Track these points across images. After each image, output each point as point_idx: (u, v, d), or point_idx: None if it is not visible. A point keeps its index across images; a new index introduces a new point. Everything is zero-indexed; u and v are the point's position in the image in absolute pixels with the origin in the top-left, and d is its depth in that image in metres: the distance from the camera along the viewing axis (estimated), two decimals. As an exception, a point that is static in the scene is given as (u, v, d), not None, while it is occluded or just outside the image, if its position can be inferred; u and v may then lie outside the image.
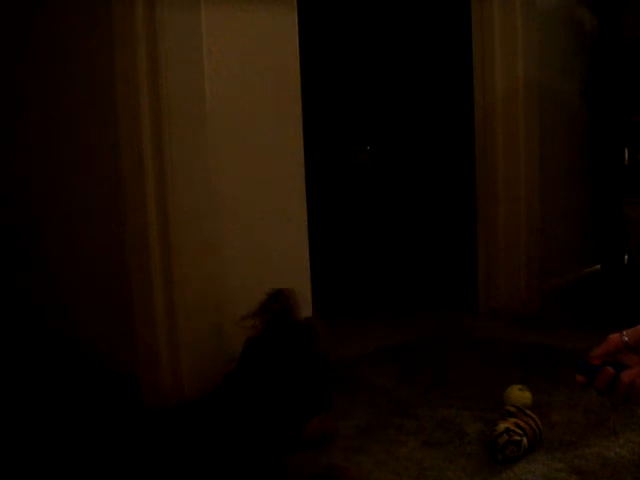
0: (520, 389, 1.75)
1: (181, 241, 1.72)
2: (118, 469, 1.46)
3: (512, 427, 1.54)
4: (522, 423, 1.56)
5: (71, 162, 2.19)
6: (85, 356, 2.13)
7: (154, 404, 1.77)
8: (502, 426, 1.54)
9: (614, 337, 1.00)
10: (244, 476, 1.39)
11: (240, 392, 1.46)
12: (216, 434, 1.43)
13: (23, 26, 2.35)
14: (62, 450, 1.60)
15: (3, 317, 2.44)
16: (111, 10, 1.74)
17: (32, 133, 2.38)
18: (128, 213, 1.79)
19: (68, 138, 2.18)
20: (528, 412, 1.61)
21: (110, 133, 1.85)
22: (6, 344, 2.33)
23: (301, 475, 1.44)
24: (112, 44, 1.75)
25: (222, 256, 1.78)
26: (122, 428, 1.66)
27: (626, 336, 0.99)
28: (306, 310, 1.92)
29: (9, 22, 2.40)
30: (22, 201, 2.51)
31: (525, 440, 1.53)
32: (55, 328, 2.31)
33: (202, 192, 1.74)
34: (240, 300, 1.81)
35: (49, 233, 2.38)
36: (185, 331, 1.74)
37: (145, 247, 1.73)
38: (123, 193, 1.79)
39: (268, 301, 1.47)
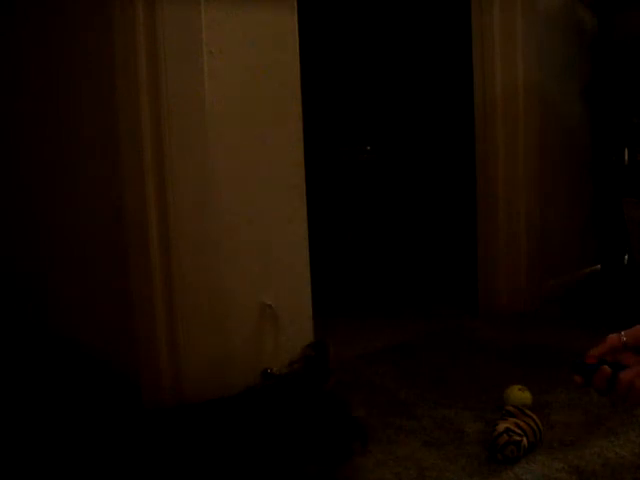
0: (520, 389, 1.75)
1: (181, 241, 1.72)
2: (118, 469, 1.46)
3: (512, 427, 1.54)
4: (522, 423, 1.56)
5: (71, 162, 2.19)
6: (85, 356, 2.13)
7: (154, 404, 1.77)
8: (502, 426, 1.54)
9: (613, 337, 1.00)
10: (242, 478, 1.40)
11: (245, 407, 1.47)
12: (215, 437, 1.43)
13: (22, 26, 2.35)
14: (62, 450, 1.59)
15: (4, 318, 2.44)
16: (111, 11, 1.74)
17: (33, 132, 2.38)
18: (128, 213, 1.79)
19: (68, 138, 2.18)
20: (528, 412, 1.61)
21: (110, 133, 1.86)
22: (6, 345, 2.33)
23: (300, 476, 1.44)
24: (112, 45, 1.75)
25: (222, 256, 1.78)
26: (122, 428, 1.66)
27: (624, 336, 0.99)
28: (306, 310, 1.93)
29: (8, 24, 2.40)
30: (23, 201, 2.51)
31: (525, 440, 1.53)
32: (55, 329, 2.31)
33: (202, 192, 1.74)
34: (240, 301, 1.82)
35: (49, 234, 2.38)
36: (185, 331, 1.74)
37: (145, 247, 1.73)
38: (123, 193, 1.79)
39: (308, 349, 1.51)
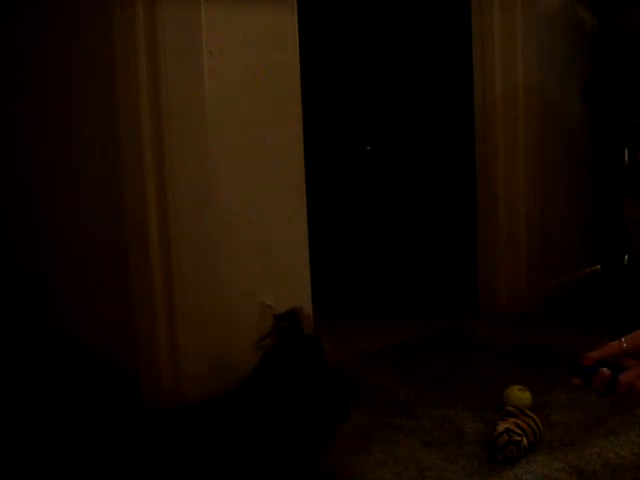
0: (520, 389, 1.75)
1: (181, 241, 1.72)
2: (118, 470, 1.46)
3: (512, 427, 1.54)
4: (522, 423, 1.56)
5: (71, 162, 2.19)
6: (85, 356, 2.13)
7: (154, 405, 1.77)
8: (502, 426, 1.54)
9: (613, 344, 1.00)
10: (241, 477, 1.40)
11: (245, 400, 1.47)
12: (216, 437, 1.43)
13: (22, 26, 2.35)
14: (62, 450, 1.59)
15: (4, 318, 2.44)
16: (111, 11, 1.74)
17: (33, 132, 2.38)
18: (128, 213, 1.79)
19: (68, 138, 2.18)
20: (528, 412, 1.61)
21: (110, 133, 1.85)
22: (7, 345, 2.33)
23: (300, 476, 1.44)
24: (112, 45, 1.75)
25: (222, 256, 1.78)
26: (122, 429, 1.66)
27: (625, 343, 0.99)
28: (306, 310, 1.92)
29: (8, 24, 2.40)
30: (23, 201, 2.51)
31: (525, 440, 1.53)
32: (55, 329, 2.31)
33: (202, 192, 1.74)
34: (240, 301, 1.82)
35: (49, 234, 2.38)
36: (185, 331, 1.74)
37: (145, 247, 1.73)
38: (123, 193, 1.79)
39: (280, 320, 1.49)
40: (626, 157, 2.91)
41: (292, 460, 1.43)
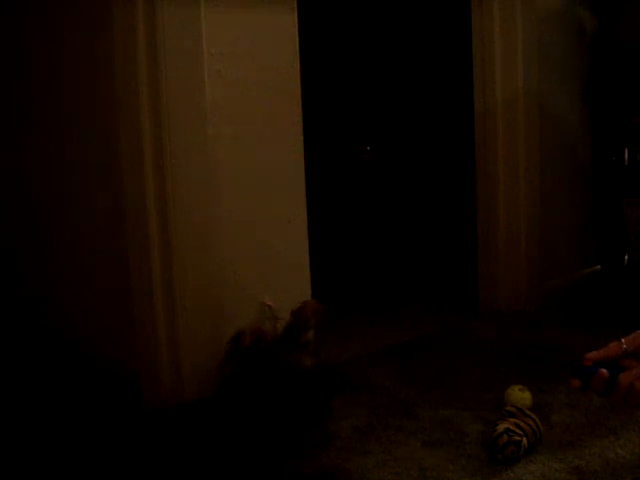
0: (520, 389, 1.75)
1: (181, 242, 1.72)
2: (118, 470, 1.46)
3: (512, 427, 1.54)
4: (522, 423, 1.56)
5: (72, 162, 2.19)
6: (86, 358, 2.13)
7: (154, 405, 1.77)
8: (502, 426, 1.54)
9: (613, 345, 1.00)
10: (242, 477, 1.40)
11: (240, 397, 1.47)
12: (215, 436, 1.44)
13: (23, 27, 2.35)
14: (62, 450, 1.59)
15: (4, 319, 2.44)
16: (111, 12, 1.74)
17: (34, 135, 2.38)
18: (128, 215, 1.79)
19: (70, 140, 2.18)
20: (528, 412, 1.61)
21: (111, 133, 1.85)
22: (8, 346, 2.33)
23: (300, 476, 1.44)
24: (112, 46, 1.75)
25: (221, 257, 1.78)
26: (122, 429, 1.66)
27: (624, 343, 0.99)
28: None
29: (8, 25, 2.40)
30: (24, 202, 2.51)
31: (525, 440, 1.53)
32: (55, 330, 2.31)
33: (202, 192, 1.74)
34: (240, 300, 1.82)
35: (50, 236, 2.38)
36: (185, 332, 1.74)
37: (145, 248, 1.73)
38: (123, 195, 1.79)
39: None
40: (626, 157, 2.91)
41: (284, 455, 1.43)
